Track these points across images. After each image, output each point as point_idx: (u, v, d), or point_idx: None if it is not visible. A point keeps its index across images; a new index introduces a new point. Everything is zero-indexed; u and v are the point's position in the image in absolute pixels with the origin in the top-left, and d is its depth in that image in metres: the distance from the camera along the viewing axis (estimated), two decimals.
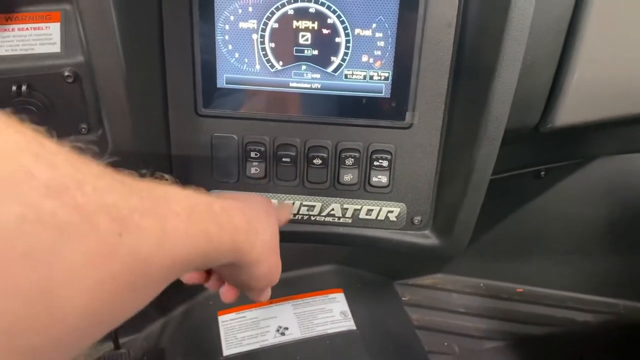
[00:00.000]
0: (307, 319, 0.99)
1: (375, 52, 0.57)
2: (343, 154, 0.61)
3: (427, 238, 0.65)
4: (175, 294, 1.00)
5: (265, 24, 0.57)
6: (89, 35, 0.49)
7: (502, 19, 0.50)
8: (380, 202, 0.64)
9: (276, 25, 0.57)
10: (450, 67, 0.57)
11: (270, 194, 0.64)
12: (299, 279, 1.07)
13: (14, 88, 0.51)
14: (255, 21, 0.57)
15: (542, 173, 1.04)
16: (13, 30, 0.51)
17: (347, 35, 0.56)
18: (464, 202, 0.60)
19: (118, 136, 0.54)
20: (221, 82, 0.59)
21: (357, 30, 0.56)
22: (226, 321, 0.98)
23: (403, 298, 1.19)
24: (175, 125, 0.61)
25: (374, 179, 0.62)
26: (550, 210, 1.12)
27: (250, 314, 0.99)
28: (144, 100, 0.56)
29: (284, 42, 0.57)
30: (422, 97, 0.58)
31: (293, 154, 0.61)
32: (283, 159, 0.62)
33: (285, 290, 1.03)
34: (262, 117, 0.60)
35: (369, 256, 1.12)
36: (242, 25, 0.57)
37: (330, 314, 1.01)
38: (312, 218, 0.65)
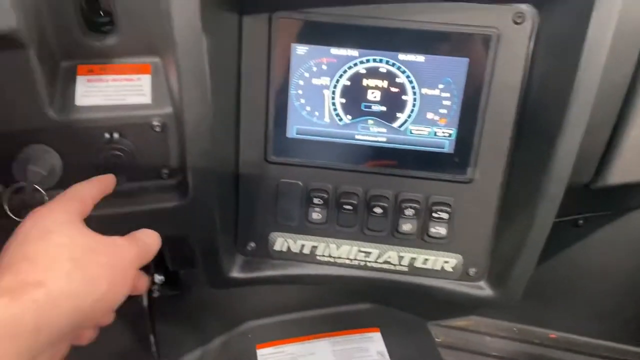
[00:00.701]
0: (344, 357, 1.00)
1: (440, 110, 0.60)
2: (403, 204, 0.63)
3: (481, 289, 0.67)
4: (214, 325, 1.02)
5: (337, 81, 0.60)
6: (184, 88, 0.52)
7: (570, 83, 0.53)
8: (437, 252, 0.66)
9: (347, 83, 0.60)
10: (513, 126, 0.60)
11: (330, 239, 0.67)
12: (337, 316, 1.08)
13: (107, 135, 0.54)
14: (328, 78, 0.60)
15: (581, 222, 1.05)
16: (108, 81, 0.55)
17: (414, 94, 0.59)
18: (521, 256, 0.62)
19: (198, 181, 0.57)
20: (291, 133, 0.62)
21: (424, 90, 0.59)
22: (265, 355, 1.00)
23: (437, 339, 1.20)
24: (245, 170, 0.64)
25: (433, 229, 0.64)
26: (587, 258, 1.13)
27: (288, 348, 1.01)
28: (223, 147, 0.59)
29: (354, 98, 0.60)
30: (484, 153, 0.61)
31: (354, 202, 0.64)
32: (344, 206, 0.64)
33: (323, 326, 1.04)
34: (327, 166, 0.63)
35: (404, 296, 1.14)
36: (315, 81, 0.60)
37: (367, 353, 1.02)
38: (368, 264, 0.67)
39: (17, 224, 0.43)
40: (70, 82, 0.54)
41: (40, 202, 0.49)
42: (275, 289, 0.79)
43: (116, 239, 0.45)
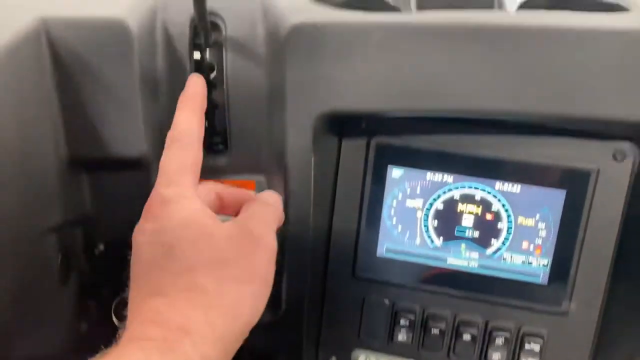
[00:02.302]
0: None
1: (536, 240, 0.59)
2: (493, 333, 0.62)
3: None
4: None
5: (431, 205, 0.61)
6: (290, 205, 0.55)
7: None
8: None
9: (441, 207, 0.61)
10: (612, 260, 0.59)
11: None
12: None
13: None
14: (421, 200, 0.61)
15: None
16: None
17: (509, 222, 0.60)
18: None
19: (292, 297, 0.59)
20: (381, 251, 0.63)
21: (520, 219, 0.59)
22: None
23: None
24: (333, 284, 0.65)
25: None
26: None
27: None
28: (315, 262, 0.61)
29: (447, 222, 0.61)
30: (580, 286, 0.59)
31: (442, 326, 0.63)
32: (432, 330, 0.63)
33: None
34: (416, 287, 0.63)
35: None
36: (409, 203, 0.62)
37: None
38: None
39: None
40: None
41: None
42: None
43: (247, 226, 0.40)
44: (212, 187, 0.46)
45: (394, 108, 0.51)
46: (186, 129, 0.44)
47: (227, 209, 0.46)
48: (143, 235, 0.40)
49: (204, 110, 0.47)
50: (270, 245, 0.41)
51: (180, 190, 0.41)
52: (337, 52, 0.49)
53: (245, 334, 0.39)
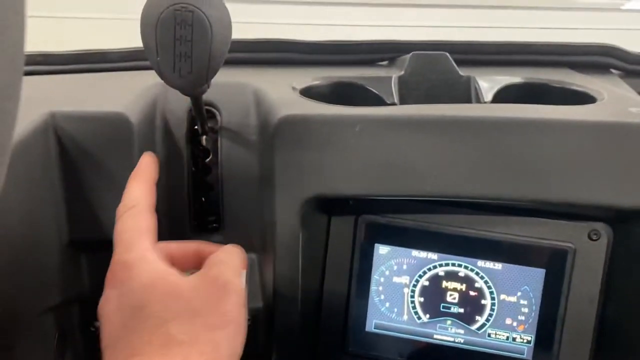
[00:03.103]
0: None
1: (519, 316, 0.61)
2: None
3: None
4: None
5: (417, 281, 0.63)
6: (278, 286, 0.57)
7: None
8: None
9: (426, 283, 0.63)
10: (594, 334, 0.60)
11: None
12: None
13: None
14: (407, 277, 0.63)
15: None
16: None
17: (492, 299, 0.62)
18: None
19: None
20: (370, 327, 0.65)
21: (502, 296, 0.61)
22: None
23: None
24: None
25: None
26: None
27: None
28: (305, 338, 0.62)
29: (432, 298, 0.63)
30: None
31: None
32: None
33: None
34: None
35: None
36: (396, 279, 0.64)
37: None
38: None
39: None
40: None
41: None
42: None
43: (210, 274, 0.43)
44: (163, 247, 0.47)
45: (377, 193, 0.55)
46: (137, 197, 0.46)
47: (180, 265, 0.47)
48: (110, 302, 0.41)
49: (155, 182, 0.50)
50: (237, 288, 0.43)
51: (140, 253, 0.42)
52: (322, 142, 0.53)
53: None
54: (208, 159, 0.59)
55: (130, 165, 0.52)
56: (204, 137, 0.59)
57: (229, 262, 0.45)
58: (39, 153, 0.49)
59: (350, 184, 0.54)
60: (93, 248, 0.54)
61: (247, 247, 0.61)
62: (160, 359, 0.36)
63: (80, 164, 0.51)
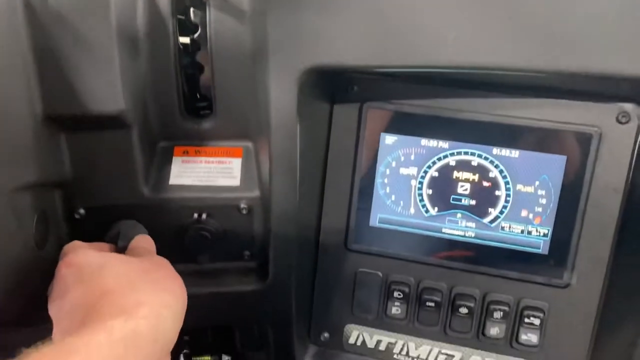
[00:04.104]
0: None
1: (536, 208, 0.57)
2: (491, 306, 0.59)
3: None
4: None
5: (426, 172, 0.59)
6: (275, 171, 0.53)
7: None
8: None
9: (436, 174, 0.58)
10: (616, 229, 0.56)
11: (409, 337, 0.63)
12: None
13: (195, 215, 0.55)
14: (415, 168, 0.59)
15: None
16: (201, 162, 0.57)
17: (507, 189, 0.57)
18: None
19: (279, 265, 0.57)
20: (374, 221, 0.61)
21: (518, 186, 0.57)
22: None
23: None
24: (324, 256, 0.63)
25: (523, 336, 0.59)
26: None
27: None
28: (304, 232, 0.59)
29: (442, 190, 0.59)
30: (582, 257, 0.56)
31: (438, 299, 0.60)
32: (427, 303, 0.61)
33: None
34: (410, 258, 0.61)
35: None
36: (403, 171, 0.59)
37: None
38: None
39: None
40: (166, 162, 0.56)
41: None
42: None
43: (147, 257, 0.48)
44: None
45: (383, 63, 0.49)
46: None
47: None
48: (66, 296, 0.43)
49: None
50: (165, 263, 0.48)
51: (81, 251, 0.46)
52: (319, 4, 0.47)
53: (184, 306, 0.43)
54: (196, 34, 0.53)
55: (108, 32, 0.46)
56: (192, 9, 0.53)
57: (148, 246, 0.52)
58: (4, 18, 0.44)
59: (353, 52, 0.48)
60: (73, 126, 0.50)
61: (241, 134, 0.57)
62: (128, 293, 0.40)
63: (53, 29, 0.46)
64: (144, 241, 0.52)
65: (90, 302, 0.39)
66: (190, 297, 0.50)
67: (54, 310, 0.43)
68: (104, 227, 0.54)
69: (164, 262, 0.48)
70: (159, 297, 0.40)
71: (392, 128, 0.59)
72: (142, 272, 0.43)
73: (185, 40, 0.54)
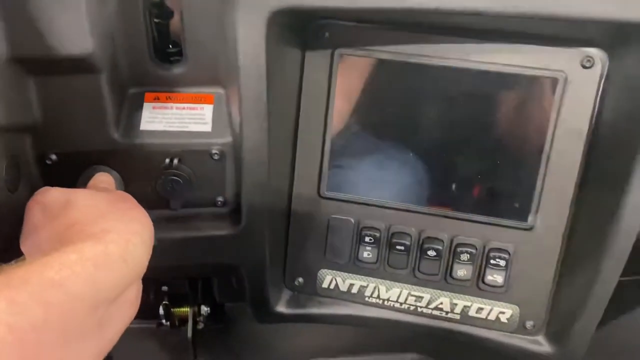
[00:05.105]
0: None
1: None
2: (459, 249, 0.61)
3: (538, 345, 0.63)
4: None
5: None
6: (244, 116, 0.53)
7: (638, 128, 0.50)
8: (493, 301, 0.63)
9: None
10: (579, 173, 0.57)
11: (380, 280, 0.65)
12: None
13: (167, 161, 0.55)
14: None
15: None
16: (172, 108, 0.57)
17: None
18: (583, 313, 0.58)
19: (251, 211, 0.58)
20: (347, 169, 0.62)
21: None
22: None
23: None
24: (298, 204, 0.64)
25: (489, 277, 0.61)
26: None
27: None
28: (277, 179, 0.60)
29: None
30: (546, 200, 0.58)
31: (407, 243, 0.62)
32: (397, 247, 0.62)
33: None
34: (381, 204, 0.62)
35: (454, 347, 1.09)
36: None
37: None
38: (419, 309, 0.65)
39: None
40: (137, 108, 0.56)
41: None
42: (318, 329, 0.77)
43: (111, 192, 0.49)
44: None
45: (350, 4, 0.49)
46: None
47: None
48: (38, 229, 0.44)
49: None
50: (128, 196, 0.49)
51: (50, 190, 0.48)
52: None
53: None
54: None
55: None
56: None
57: (109, 181, 0.54)
58: None
59: None
60: (40, 70, 0.50)
61: (212, 81, 0.57)
62: (95, 220, 0.40)
63: None
64: (104, 177, 0.53)
65: (61, 234, 0.40)
66: (164, 242, 0.51)
67: (26, 247, 0.44)
68: (76, 173, 0.55)
69: (128, 195, 0.49)
70: (127, 225, 0.41)
71: (363, 73, 0.59)
72: (108, 203, 0.44)
73: None
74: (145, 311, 0.75)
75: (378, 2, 0.49)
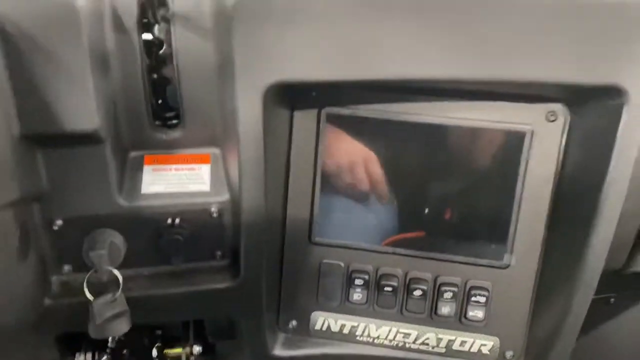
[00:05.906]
0: None
1: None
2: (442, 288, 0.66)
3: None
4: None
5: None
6: (243, 176, 0.57)
7: (602, 175, 0.56)
8: (475, 334, 0.68)
9: None
10: (548, 216, 0.63)
11: (370, 319, 0.69)
12: None
13: (169, 221, 0.58)
14: None
15: (612, 300, 1.05)
16: (171, 170, 0.60)
17: None
18: (557, 341, 0.64)
19: (250, 263, 0.61)
20: (336, 216, 0.66)
21: None
22: None
23: None
24: (290, 251, 0.68)
25: (470, 313, 0.66)
26: (619, 335, 1.12)
27: None
28: (271, 230, 0.63)
29: None
30: (520, 241, 0.64)
31: (394, 283, 0.67)
32: (385, 288, 0.67)
33: None
34: (369, 248, 0.67)
35: None
36: None
37: None
38: (407, 345, 0.69)
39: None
40: (138, 171, 0.59)
41: (111, 279, 0.54)
42: None
43: None
44: None
45: (342, 78, 0.54)
46: None
47: None
48: None
49: None
50: None
51: None
52: (284, 23, 0.51)
53: None
54: (162, 50, 0.56)
55: (81, 53, 0.49)
56: (156, 26, 0.56)
57: None
58: None
59: (314, 68, 0.52)
60: (48, 143, 0.52)
61: (209, 141, 0.61)
62: None
63: (27, 52, 0.48)
64: None
65: None
66: (165, 297, 0.53)
67: None
68: (82, 236, 0.57)
69: None
70: None
71: (348, 130, 0.64)
72: None
73: (152, 54, 0.57)
74: (139, 354, 0.77)
75: (364, 74, 0.54)
